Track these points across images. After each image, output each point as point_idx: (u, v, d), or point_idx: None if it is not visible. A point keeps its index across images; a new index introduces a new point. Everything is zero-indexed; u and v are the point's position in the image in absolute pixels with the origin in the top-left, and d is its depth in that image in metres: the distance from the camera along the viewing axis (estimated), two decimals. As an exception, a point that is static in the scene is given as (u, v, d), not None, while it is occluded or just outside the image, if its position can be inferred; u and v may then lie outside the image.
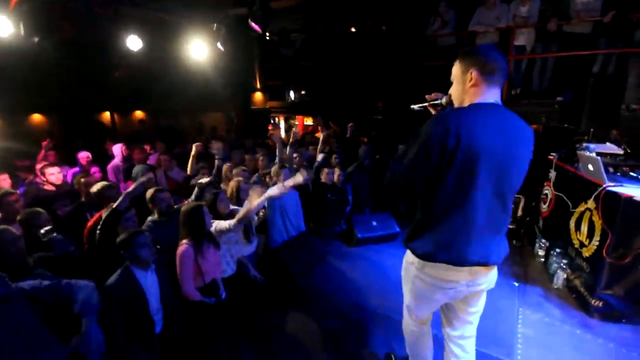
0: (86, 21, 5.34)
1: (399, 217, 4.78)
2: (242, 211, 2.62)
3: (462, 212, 1.45)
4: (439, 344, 2.00)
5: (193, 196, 3.23)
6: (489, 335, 2.79)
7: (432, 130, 1.40)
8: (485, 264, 1.53)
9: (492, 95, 1.49)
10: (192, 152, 4.09)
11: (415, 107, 1.84)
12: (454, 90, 1.60)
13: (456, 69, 1.56)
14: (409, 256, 1.69)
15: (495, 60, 1.47)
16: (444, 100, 1.69)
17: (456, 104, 1.59)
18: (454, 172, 1.41)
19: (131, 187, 2.41)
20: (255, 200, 2.62)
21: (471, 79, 1.48)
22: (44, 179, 3.64)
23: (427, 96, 1.78)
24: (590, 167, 3.14)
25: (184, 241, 2.47)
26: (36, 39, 4.54)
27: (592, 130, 4.39)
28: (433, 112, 1.74)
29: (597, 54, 4.73)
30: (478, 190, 1.42)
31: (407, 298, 1.84)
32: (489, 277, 1.62)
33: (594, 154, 3.31)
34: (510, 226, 5.10)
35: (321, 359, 2.62)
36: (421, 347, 1.99)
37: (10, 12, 4.21)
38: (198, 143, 3.95)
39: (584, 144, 3.60)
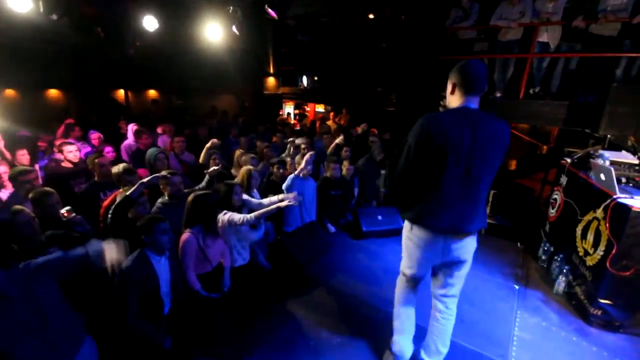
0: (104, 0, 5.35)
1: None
2: (268, 208, 2.68)
3: (437, 191, 1.88)
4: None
5: (203, 183, 3.31)
6: (485, 335, 2.86)
7: (412, 134, 1.89)
8: (456, 231, 1.94)
9: (469, 100, 1.88)
10: (207, 145, 4.25)
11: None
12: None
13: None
14: (405, 224, 2.16)
15: (469, 73, 1.86)
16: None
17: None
18: (429, 161, 1.85)
19: (147, 179, 2.48)
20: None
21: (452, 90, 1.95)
22: (62, 157, 3.72)
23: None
24: (602, 176, 3.11)
25: (188, 230, 2.52)
26: (55, 17, 4.55)
27: (609, 136, 4.31)
28: None
29: (621, 57, 4.58)
30: (448, 173, 1.83)
31: (402, 261, 2.28)
32: (464, 243, 1.99)
33: (607, 163, 3.27)
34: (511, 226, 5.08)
35: (321, 345, 2.73)
36: (407, 303, 2.34)
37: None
38: (215, 139, 4.13)
39: (599, 152, 3.55)
